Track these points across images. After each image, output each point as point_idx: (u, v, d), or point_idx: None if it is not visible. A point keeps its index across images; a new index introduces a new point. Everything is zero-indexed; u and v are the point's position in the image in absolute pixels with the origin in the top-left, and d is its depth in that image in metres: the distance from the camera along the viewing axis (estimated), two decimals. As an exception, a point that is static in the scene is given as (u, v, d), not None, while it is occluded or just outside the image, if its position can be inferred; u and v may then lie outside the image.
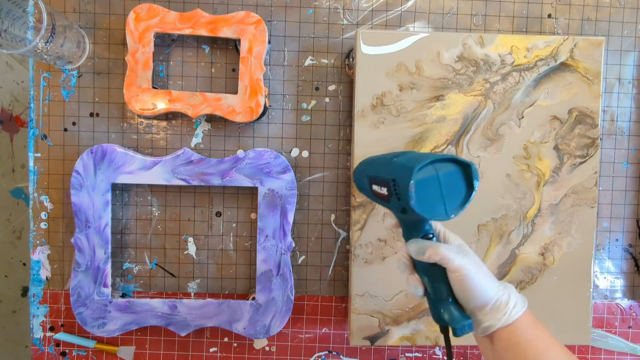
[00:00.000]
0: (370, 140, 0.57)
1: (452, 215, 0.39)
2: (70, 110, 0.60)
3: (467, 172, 0.38)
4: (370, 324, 0.58)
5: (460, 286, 0.40)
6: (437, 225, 0.44)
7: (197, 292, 0.62)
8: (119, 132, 0.60)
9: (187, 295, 0.61)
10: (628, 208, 0.63)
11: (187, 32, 0.56)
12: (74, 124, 0.60)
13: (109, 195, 0.57)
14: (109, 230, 0.57)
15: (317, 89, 0.61)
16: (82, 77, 0.60)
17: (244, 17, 0.56)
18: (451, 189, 0.38)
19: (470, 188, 0.39)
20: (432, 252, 0.40)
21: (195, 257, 0.61)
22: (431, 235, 0.42)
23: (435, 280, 0.41)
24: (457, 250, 0.41)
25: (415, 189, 0.36)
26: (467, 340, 0.59)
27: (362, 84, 0.56)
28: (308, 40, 0.60)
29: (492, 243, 0.58)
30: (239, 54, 0.57)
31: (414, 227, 0.42)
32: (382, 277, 0.58)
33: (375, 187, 0.43)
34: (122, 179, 0.57)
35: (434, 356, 0.63)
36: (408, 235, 0.43)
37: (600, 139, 0.60)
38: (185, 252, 0.61)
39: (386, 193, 0.41)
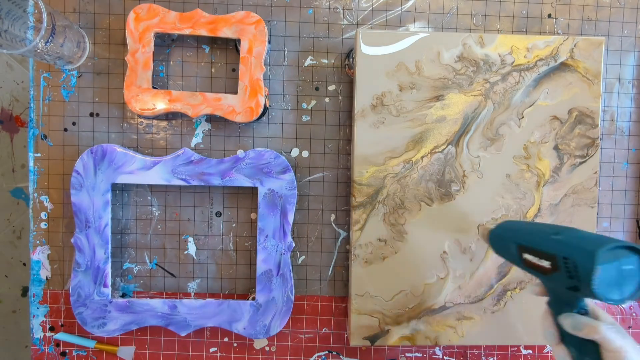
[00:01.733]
0: (370, 140, 0.57)
1: (628, 301, 0.39)
2: (70, 110, 0.60)
3: None
4: (370, 324, 0.58)
5: None
6: (588, 301, 0.44)
7: (197, 292, 0.62)
8: (119, 132, 0.60)
9: (187, 295, 0.61)
10: (628, 208, 0.63)
11: (187, 32, 0.56)
12: (74, 124, 0.60)
13: (109, 195, 0.57)
14: (109, 230, 0.57)
15: (317, 89, 0.61)
16: (82, 77, 0.60)
17: (244, 17, 0.56)
18: (628, 276, 0.39)
19: None
20: (590, 330, 0.40)
21: (195, 257, 0.61)
22: (584, 311, 0.42)
23: (587, 355, 0.41)
24: (616, 330, 0.41)
25: (600, 273, 0.37)
26: (467, 340, 0.59)
27: (362, 84, 0.56)
28: (308, 40, 0.60)
29: (492, 243, 0.58)
30: (239, 54, 0.57)
31: (568, 301, 0.43)
32: (382, 277, 0.58)
33: (529, 257, 0.44)
34: (122, 179, 0.57)
35: (434, 356, 0.63)
36: (558, 307, 0.43)
37: (600, 139, 0.60)
38: (185, 252, 0.61)
39: (549, 267, 0.41)
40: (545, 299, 0.44)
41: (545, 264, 0.42)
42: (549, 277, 0.42)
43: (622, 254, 0.38)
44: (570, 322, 0.42)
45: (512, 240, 0.46)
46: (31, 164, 0.60)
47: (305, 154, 0.61)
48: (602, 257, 0.37)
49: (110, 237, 0.58)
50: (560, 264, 0.40)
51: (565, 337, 0.42)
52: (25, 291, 1.30)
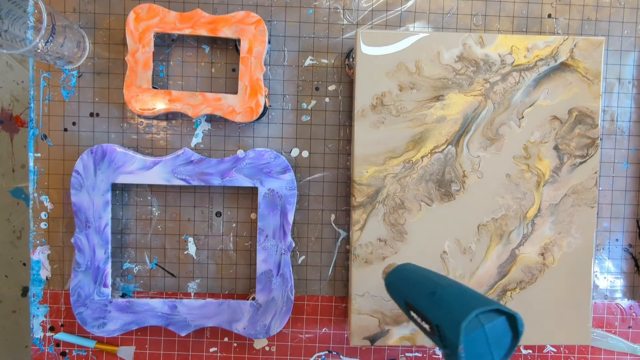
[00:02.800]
0: (370, 140, 0.57)
1: None
2: (70, 110, 0.60)
3: (511, 321, 0.38)
4: (370, 324, 0.58)
5: None
6: None
7: (197, 292, 0.62)
8: (119, 132, 0.60)
9: (187, 295, 0.61)
10: (628, 208, 0.63)
11: (187, 32, 0.56)
12: (74, 124, 0.60)
13: (109, 195, 0.57)
14: (109, 230, 0.57)
15: (317, 89, 0.61)
16: (82, 77, 0.60)
17: (244, 17, 0.56)
18: (497, 339, 0.37)
19: (515, 335, 0.38)
20: None
21: (195, 257, 0.61)
22: None
23: None
24: None
25: (465, 348, 0.36)
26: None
27: (362, 84, 0.56)
28: (308, 40, 0.60)
29: (492, 243, 0.58)
30: (239, 54, 0.57)
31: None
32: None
33: (415, 316, 0.42)
34: (122, 179, 0.57)
35: (434, 356, 0.63)
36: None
37: (600, 139, 0.60)
38: (185, 252, 0.61)
39: (429, 330, 0.40)
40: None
41: (426, 326, 0.40)
42: (432, 338, 0.40)
43: (488, 318, 0.37)
44: None
45: (400, 294, 0.45)
46: (31, 164, 0.60)
47: (305, 154, 0.61)
48: (467, 329, 0.36)
49: (110, 237, 0.58)
50: (435, 330, 0.39)
51: None
52: (25, 291, 1.30)
